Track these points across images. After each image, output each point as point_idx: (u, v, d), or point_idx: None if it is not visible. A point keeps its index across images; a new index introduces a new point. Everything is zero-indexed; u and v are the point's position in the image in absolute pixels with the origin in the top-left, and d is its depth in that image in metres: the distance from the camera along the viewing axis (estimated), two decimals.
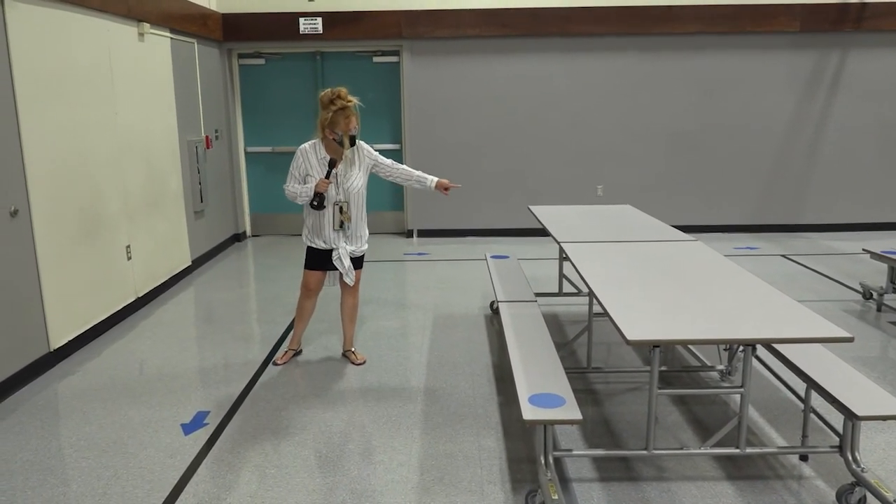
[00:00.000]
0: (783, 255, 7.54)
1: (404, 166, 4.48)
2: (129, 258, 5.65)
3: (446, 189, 4.46)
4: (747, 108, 8.47)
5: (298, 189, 4.22)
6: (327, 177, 4.18)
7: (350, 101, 4.15)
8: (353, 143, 4.21)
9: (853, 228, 8.72)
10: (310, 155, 4.24)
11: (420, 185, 4.46)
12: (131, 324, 5.47)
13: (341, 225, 4.26)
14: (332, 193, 4.24)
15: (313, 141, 4.28)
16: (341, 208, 4.24)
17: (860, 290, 6.08)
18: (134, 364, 4.66)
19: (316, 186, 4.15)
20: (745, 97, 8.44)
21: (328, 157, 4.21)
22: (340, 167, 4.24)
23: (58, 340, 4.65)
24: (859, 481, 2.95)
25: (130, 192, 5.73)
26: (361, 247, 4.43)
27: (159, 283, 6.22)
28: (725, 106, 8.46)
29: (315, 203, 4.17)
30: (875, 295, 5.81)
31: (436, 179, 4.45)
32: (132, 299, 5.69)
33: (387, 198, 8.85)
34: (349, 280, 4.37)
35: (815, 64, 8.37)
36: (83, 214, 4.99)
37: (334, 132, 4.15)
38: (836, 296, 6.00)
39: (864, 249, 6.08)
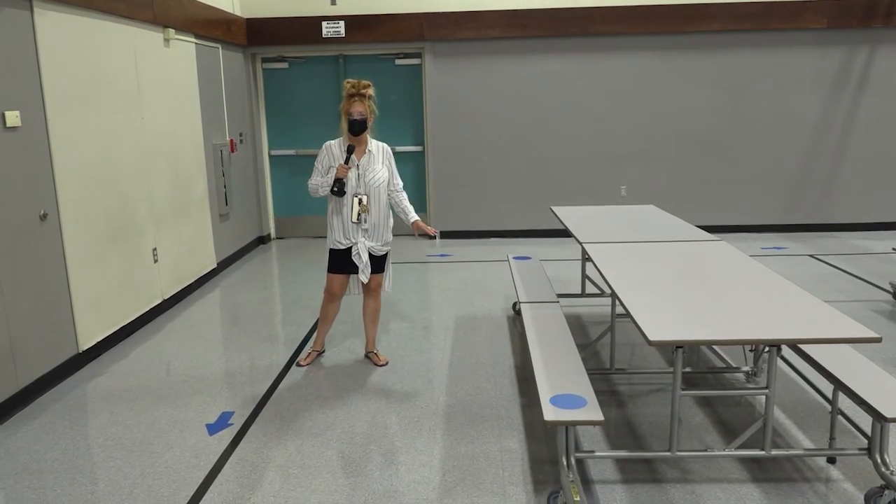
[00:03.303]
0: (811, 255, 7.43)
1: (404, 193, 4.52)
2: (156, 261, 5.73)
3: (419, 229, 4.47)
4: (774, 106, 8.36)
5: (320, 181, 4.31)
6: (346, 162, 4.23)
7: (358, 89, 4.23)
8: (359, 128, 4.23)
9: (883, 227, 8.55)
10: (333, 148, 4.34)
11: (403, 217, 4.50)
12: (158, 325, 5.55)
13: (359, 217, 4.29)
14: (352, 183, 4.28)
15: (339, 138, 4.37)
16: (360, 200, 4.29)
17: (890, 289, 5.97)
18: (161, 365, 4.73)
19: (336, 172, 4.22)
20: (772, 95, 8.33)
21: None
22: (363, 160, 4.30)
23: (86, 342, 4.73)
24: (888, 484, 2.90)
25: (157, 195, 5.81)
26: (383, 246, 4.45)
27: (185, 285, 6.30)
28: (751, 104, 8.36)
29: (335, 189, 4.23)
30: None
31: (415, 218, 4.48)
32: (159, 301, 5.77)
33: (410, 200, 8.86)
34: (364, 277, 4.39)
35: (842, 61, 8.23)
36: (111, 218, 5.08)
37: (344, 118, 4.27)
38: (866, 296, 5.90)
39: (894, 249, 5.98)
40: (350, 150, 4.24)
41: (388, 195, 4.47)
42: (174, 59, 6.26)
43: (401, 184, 4.51)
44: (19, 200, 4.11)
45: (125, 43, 5.37)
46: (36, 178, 4.27)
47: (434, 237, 4.75)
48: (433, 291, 6.49)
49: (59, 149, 4.47)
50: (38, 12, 4.30)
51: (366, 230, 4.37)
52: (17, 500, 3.15)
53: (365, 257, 4.36)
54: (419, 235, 4.58)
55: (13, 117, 4.05)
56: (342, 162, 4.26)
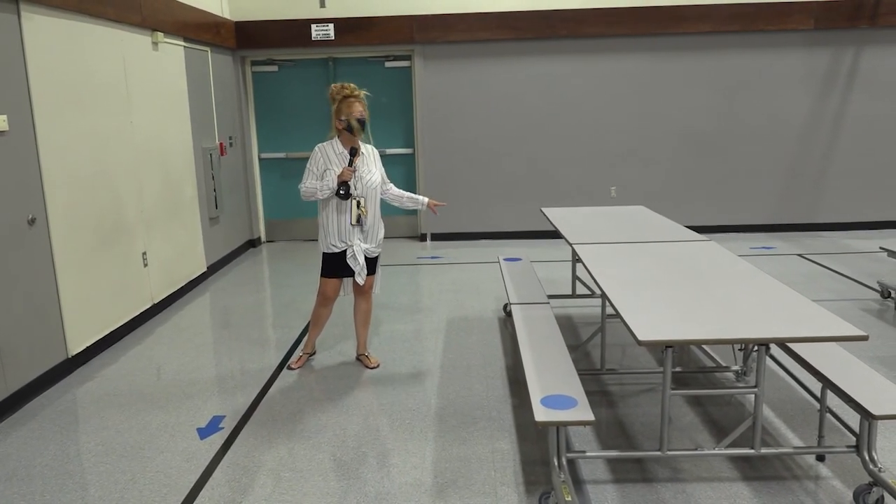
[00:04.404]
0: (800, 255, 7.48)
1: (397, 189, 4.62)
2: (146, 265, 5.71)
3: (435, 206, 4.65)
4: (762, 107, 8.41)
5: (318, 184, 4.27)
6: (350, 165, 4.23)
7: (353, 91, 4.26)
8: (363, 128, 4.27)
9: (871, 227, 8.62)
10: (327, 150, 4.32)
11: (413, 204, 4.61)
12: (148, 330, 5.53)
13: (358, 219, 4.30)
14: (351, 187, 4.28)
15: (329, 140, 4.36)
16: (358, 203, 4.29)
17: (878, 288, 6.02)
18: (151, 369, 4.71)
19: (340, 175, 4.21)
20: (760, 96, 8.39)
21: (347, 150, 4.29)
22: (358, 161, 4.30)
23: (76, 347, 4.71)
24: (876, 481, 2.92)
25: (146, 199, 5.79)
26: (376, 248, 4.46)
27: (175, 289, 6.28)
28: (740, 105, 8.41)
29: (342, 192, 4.22)
30: (893, 293, 5.74)
31: (427, 199, 4.63)
32: (148, 305, 5.74)
33: None
34: (360, 279, 4.39)
35: (830, 61, 8.30)
36: (100, 222, 5.06)
37: (340, 119, 4.25)
38: (854, 295, 5.94)
39: (881, 248, 6.02)
40: (353, 153, 4.25)
41: (384, 195, 4.50)
42: (163, 62, 6.24)
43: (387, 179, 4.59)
44: (7, 205, 4.09)
45: (113, 46, 5.36)
46: (24, 183, 4.25)
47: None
48: (424, 293, 6.49)
49: (47, 153, 4.45)
50: (25, 16, 4.29)
51: (364, 232, 4.38)
52: None
53: (361, 260, 4.36)
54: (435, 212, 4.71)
55: (0, 121, 4.03)
56: (344, 164, 4.26)
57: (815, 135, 8.48)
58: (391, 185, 4.58)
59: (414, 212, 8.88)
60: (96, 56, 5.10)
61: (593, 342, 4.88)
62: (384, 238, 4.56)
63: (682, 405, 3.92)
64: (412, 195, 4.61)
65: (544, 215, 5.43)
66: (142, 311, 5.63)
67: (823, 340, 2.73)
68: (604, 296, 3.66)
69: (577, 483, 3.19)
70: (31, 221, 4.30)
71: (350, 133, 4.26)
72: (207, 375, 4.58)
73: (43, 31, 4.47)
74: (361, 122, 4.26)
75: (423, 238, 8.83)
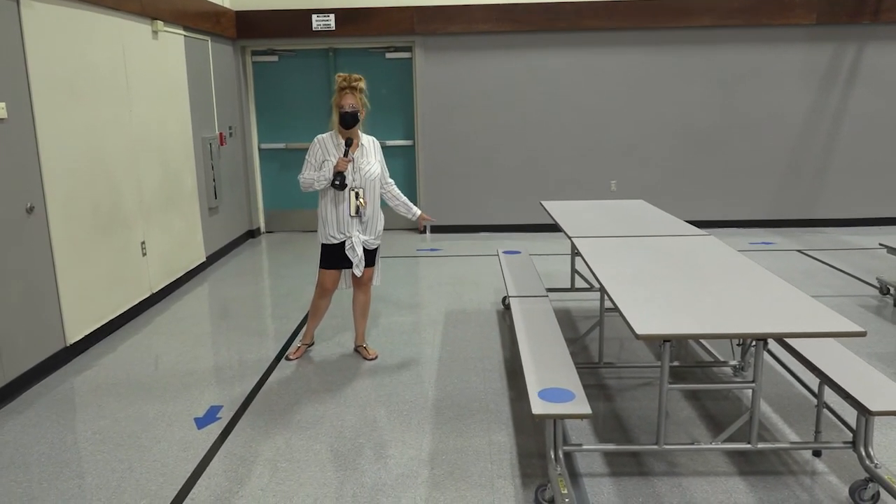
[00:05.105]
0: (799, 251, 7.48)
1: (396, 188, 4.59)
2: (144, 254, 5.71)
3: (425, 221, 4.64)
4: (763, 101, 8.40)
5: (315, 175, 4.27)
6: (345, 155, 4.22)
7: (350, 82, 4.23)
8: (351, 120, 4.22)
9: (870, 223, 8.62)
10: (326, 142, 4.31)
11: (405, 211, 4.60)
12: (146, 319, 5.53)
13: (357, 210, 4.29)
14: (349, 177, 4.27)
15: (330, 132, 4.35)
16: (357, 194, 4.28)
17: (877, 285, 6.02)
18: (149, 359, 4.71)
19: (336, 165, 4.20)
20: (761, 91, 8.37)
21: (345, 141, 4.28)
22: (357, 153, 4.29)
23: (74, 335, 4.71)
24: (873, 477, 2.93)
25: (145, 188, 5.78)
26: (375, 239, 4.45)
27: (174, 279, 6.27)
28: (740, 100, 8.39)
29: (337, 182, 4.21)
30: (892, 290, 5.74)
31: (420, 212, 4.61)
32: (147, 295, 5.74)
33: None
34: (358, 271, 4.38)
35: (831, 57, 8.28)
36: (99, 211, 5.05)
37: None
38: (853, 291, 5.94)
39: (881, 244, 6.02)
40: (348, 144, 4.24)
41: (382, 190, 4.49)
42: (163, 51, 6.22)
43: (388, 177, 4.56)
44: (5, 193, 4.08)
45: (113, 35, 5.33)
46: (22, 171, 4.24)
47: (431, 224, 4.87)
48: (423, 286, 6.49)
49: (45, 141, 4.44)
50: (24, 3, 4.26)
51: (363, 223, 4.37)
52: (4, 493, 3.13)
53: (360, 251, 4.36)
54: (422, 230, 4.73)
55: None
56: (341, 155, 4.25)
57: (816, 130, 8.47)
58: (391, 182, 4.55)
59: (414, 204, 8.85)
60: (96, 44, 5.08)
61: (591, 336, 4.89)
62: (384, 230, 4.56)
63: (680, 399, 3.93)
64: (408, 202, 4.60)
65: (544, 208, 5.42)
66: (140, 300, 5.62)
67: (821, 336, 2.73)
68: (602, 289, 3.65)
69: (574, 476, 3.20)
70: (30, 210, 4.29)
71: (341, 124, 4.25)
72: (205, 365, 4.58)
73: (42, 18, 4.45)
74: (347, 115, 4.20)
75: (422, 230, 8.82)
